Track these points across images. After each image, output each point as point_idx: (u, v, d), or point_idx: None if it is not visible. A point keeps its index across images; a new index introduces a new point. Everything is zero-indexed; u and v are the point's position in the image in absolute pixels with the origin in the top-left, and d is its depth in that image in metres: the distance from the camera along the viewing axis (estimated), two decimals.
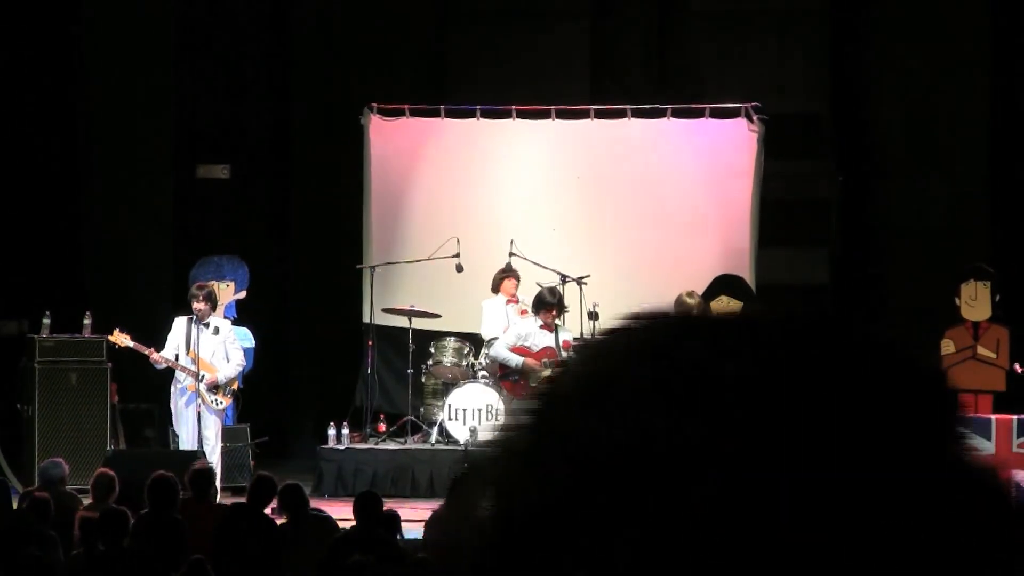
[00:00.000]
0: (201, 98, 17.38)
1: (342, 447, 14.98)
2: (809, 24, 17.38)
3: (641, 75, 17.53)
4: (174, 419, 14.07)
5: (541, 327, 13.93)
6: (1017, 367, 15.46)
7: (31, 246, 16.39)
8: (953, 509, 0.88)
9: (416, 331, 15.31)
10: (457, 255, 15.34)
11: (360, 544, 9.24)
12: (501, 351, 14.33)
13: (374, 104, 16.53)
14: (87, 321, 14.93)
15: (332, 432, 15.03)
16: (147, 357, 13.88)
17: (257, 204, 17.57)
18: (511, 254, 15.16)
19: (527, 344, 14.24)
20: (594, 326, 14.55)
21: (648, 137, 16.40)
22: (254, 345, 15.57)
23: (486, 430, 13.97)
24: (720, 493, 0.85)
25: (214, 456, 13.60)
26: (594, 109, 16.45)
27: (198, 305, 13.84)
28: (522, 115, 16.45)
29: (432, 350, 15.19)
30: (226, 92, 17.41)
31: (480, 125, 16.54)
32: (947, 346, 15.60)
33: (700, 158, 16.37)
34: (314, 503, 11.10)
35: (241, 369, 14.22)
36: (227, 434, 14.41)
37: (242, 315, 16.05)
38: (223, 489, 13.39)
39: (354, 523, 9.86)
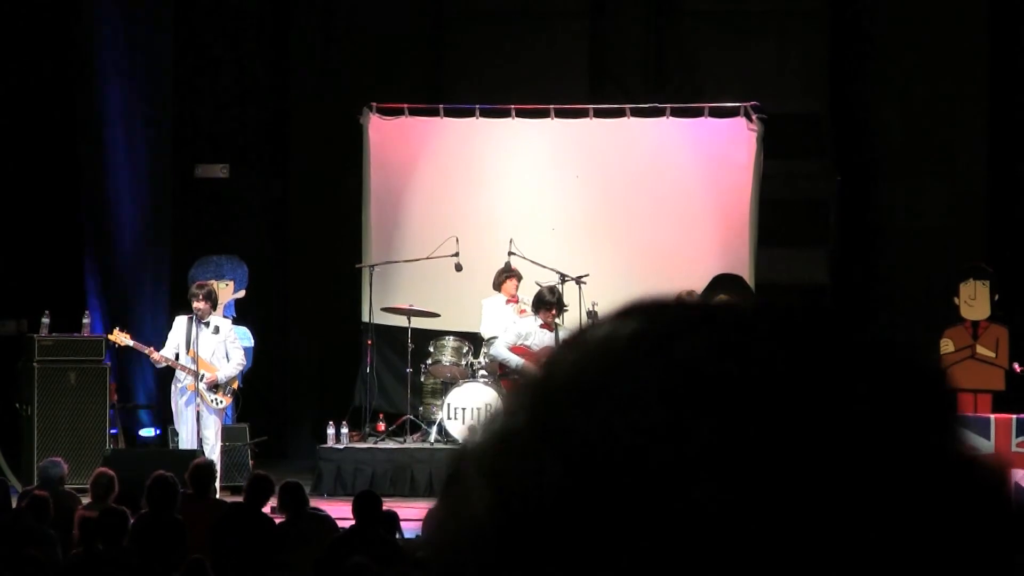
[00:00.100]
0: (200, 97, 17.37)
1: (341, 446, 14.98)
2: (808, 24, 17.38)
3: (640, 74, 17.54)
4: (174, 418, 14.08)
5: (541, 326, 13.93)
6: (1016, 366, 15.46)
7: (31, 246, 16.38)
8: (954, 508, 0.88)
9: (415, 330, 15.31)
10: (456, 254, 15.33)
11: (359, 544, 9.24)
12: (501, 351, 14.33)
13: (373, 103, 16.53)
14: (86, 320, 14.93)
15: (331, 431, 15.03)
16: (147, 356, 13.89)
17: (256, 203, 17.57)
18: (510, 253, 15.15)
19: (527, 343, 14.23)
20: None
21: (647, 136, 16.40)
22: (253, 344, 15.57)
23: (480, 422, 13.96)
24: (721, 495, 0.85)
25: (213, 455, 13.59)
26: (593, 108, 16.45)
27: (198, 304, 13.84)
28: (521, 114, 16.45)
29: (431, 349, 15.18)
30: (225, 91, 17.40)
31: (479, 124, 16.54)
32: (946, 345, 15.60)
33: (699, 157, 16.37)
34: (313, 502, 11.09)
35: (241, 368, 14.22)
36: (226, 433, 14.41)
37: (241, 314, 16.05)
38: (222, 488, 13.39)
39: (353, 522, 9.86)
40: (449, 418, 14.62)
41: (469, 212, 16.30)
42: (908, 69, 17.09)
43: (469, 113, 16.54)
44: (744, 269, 15.81)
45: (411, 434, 15.18)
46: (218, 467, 13.45)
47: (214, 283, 14.93)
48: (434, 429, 14.92)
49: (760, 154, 16.21)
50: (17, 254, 16.30)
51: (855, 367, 0.90)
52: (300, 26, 17.69)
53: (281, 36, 17.66)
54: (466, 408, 14.58)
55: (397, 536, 10.36)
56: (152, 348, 13.86)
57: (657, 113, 16.33)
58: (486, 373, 14.77)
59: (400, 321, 15.51)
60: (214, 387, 13.88)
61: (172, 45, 17.06)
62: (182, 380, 13.90)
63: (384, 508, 10.17)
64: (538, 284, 14.53)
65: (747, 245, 16.18)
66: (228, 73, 17.42)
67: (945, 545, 0.87)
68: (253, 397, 15.42)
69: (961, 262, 16.10)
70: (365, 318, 15.93)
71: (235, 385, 14.22)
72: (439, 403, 14.92)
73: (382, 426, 15.45)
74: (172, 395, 14.01)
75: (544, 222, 16.23)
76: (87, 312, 15.03)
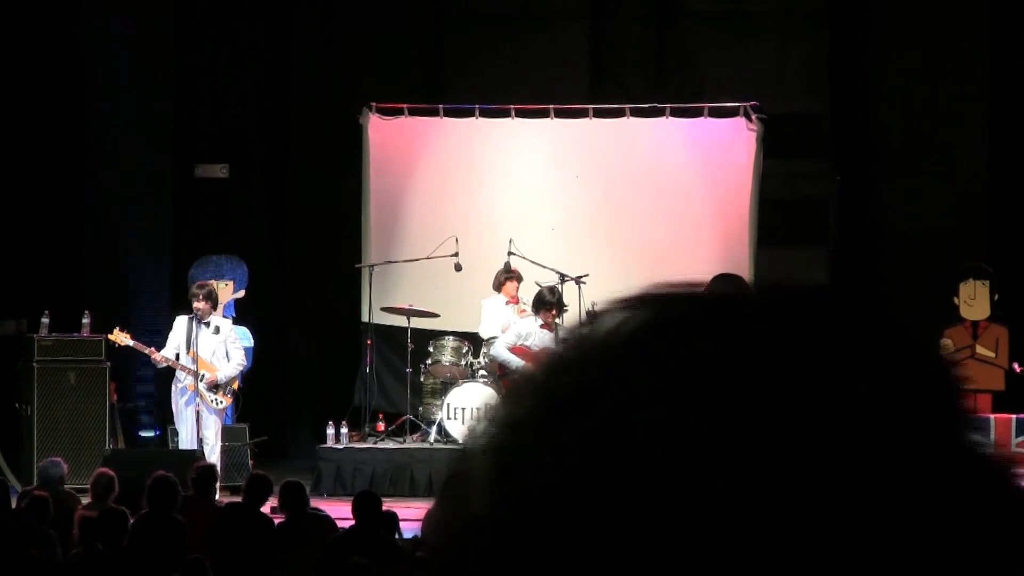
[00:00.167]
0: (199, 97, 17.37)
1: (341, 446, 14.98)
2: (808, 24, 17.39)
3: (640, 74, 17.54)
4: (175, 418, 14.08)
5: (541, 327, 13.92)
6: (1016, 366, 15.46)
7: (30, 246, 16.39)
8: (962, 505, 0.87)
9: (415, 330, 15.31)
10: (456, 254, 15.33)
11: (359, 544, 9.24)
12: (501, 352, 14.32)
13: (373, 103, 16.53)
14: (86, 320, 14.93)
15: (331, 431, 15.03)
16: (147, 356, 13.89)
17: (256, 203, 17.57)
18: (510, 253, 15.15)
19: (527, 344, 14.22)
20: None
21: (647, 136, 16.40)
22: (252, 344, 15.57)
23: (480, 422, 13.95)
24: (720, 495, 0.85)
25: (213, 456, 13.60)
26: (593, 108, 16.45)
27: (198, 304, 13.84)
28: (521, 114, 16.45)
29: (431, 349, 15.18)
30: (225, 91, 17.40)
31: (479, 124, 16.54)
32: (946, 345, 15.60)
33: (699, 157, 16.37)
34: (313, 502, 11.09)
35: (242, 369, 14.21)
36: (226, 433, 14.41)
37: (241, 314, 16.04)
38: (222, 489, 13.38)
39: (353, 522, 9.86)
40: (449, 418, 14.62)
41: (469, 212, 16.30)
42: (908, 69, 17.08)
43: (469, 113, 16.54)
44: (744, 269, 15.80)
45: (411, 434, 15.18)
46: (218, 467, 13.45)
47: (214, 283, 14.93)
48: (434, 429, 14.92)
49: (760, 154, 16.21)
50: (17, 254, 16.30)
51: (860, 363, 0.89)
52: (300, 26, 17.69)
53: (281, 36, 17.66)
54: (466, 408, 14.58)
55: (397, 536, 10.36)
56: (152, 348, 13.86)
57: (657, 113, 16.33)
58: (486, 373, 14.77)
59: (400, 321, 15.51)
60: (214, 387, 13.88)
61: (172, 45, 17.06)
62: (182, 380, 13.90)
63: (384, 508, 10.17)
64: (538, 284, 14.52)
65: (747, 245, 16.18)
66: (228, 73, 17.42)
67: (953, 541, 0.86)
68: (253, 397, 15.42)
69: (961, 262, 16.10)
70: (365, 318, 15.93)
71: (235, 385, 14.22)
72: (439, 403, 14.92)
73: (382, 426, 15.46)
74: (172, 395, 14.01)
75: (544, 222, 16.22)
76: (87, 312, 15.02)
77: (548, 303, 13.91)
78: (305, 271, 17.44)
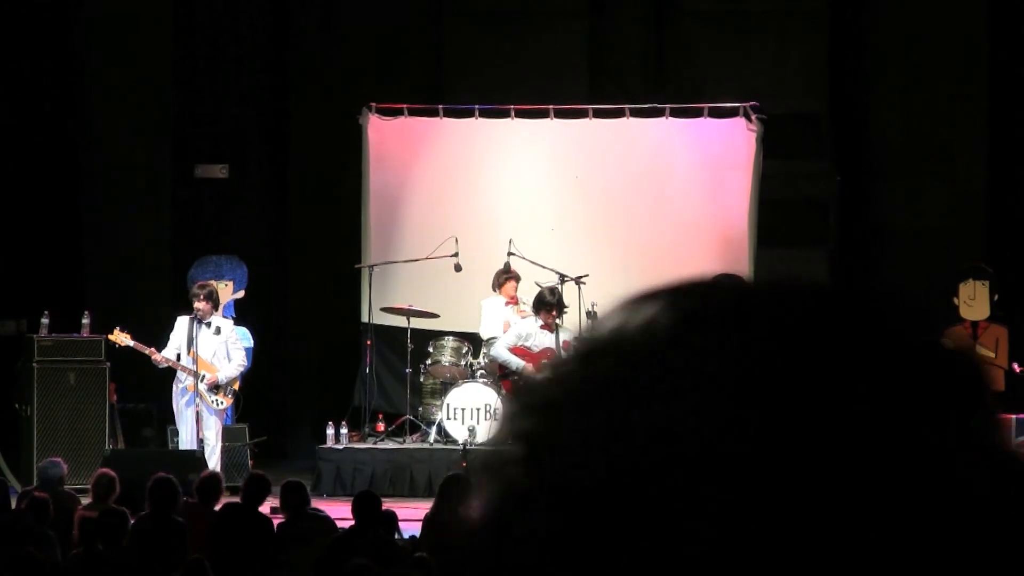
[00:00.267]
0: (199, 98, 17.37)
1: (340, 447, 14.97)
2: (808, 24, 17.39)
3: (639, 74, 17.54)
4: (176, 418, 14.08)
5: (541, 327, 13.92)
6: (1016, 366, 15.46)
7: (30, 246, 16.39)
8: (987, 502, 0.87)
9: (414, 330, 15.31)
10: (455, 254, 15.33)
11: (358, 544, 9.24)
12: (502, 352, 14.31)
13: (372, 104, 16.53)
14: (85, 321, 14.93)
15: (331, 431, 15.03)
16: (147, 356, 13.89)
17: (255, 204, 17.57)
18: (510, 253, 15.15)
19: (527, 344, 14.22)
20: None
21: (646, 136, 16.39)
22: (252, 345, 15.57)
23: (493, 422, 13.97)
24: (727, 495, 0.85)
25: (214, 456, 13.60)
26: (592, 109, 16.45)
27: (199, 304, 13.85)
28: (520, 115, 16.44)
29: (431, 350, 15.18)
30: (224, 92, 17.40)
31: (478, 125, 16.54)
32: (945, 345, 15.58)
33: (698, 157, 16.37)
34: (313, 503, 11.09)
35: (242, 369, 14.20)
36: (226, 434, 14.41)
37: (241, 315, 16.04)
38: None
39: (352, 523, 9.86)
40: (448, 418, 14.62)
41: (468, 212, 16.30)
42: (908, 69, 17.08)
43: (468, 113, 16.53)
44: (744, 269, 15.80)
45: (410, 434, 15.18)
46: (218, 468, 13.45)
47: (214, 283, 14.93)
48: (433, 429, 14.92)
49: (760, 154, 16.21)
50: (17, 254, 16.30)
51: (886, 362, 0.89)
52: (300, 26, 17.69)
53: (281, 36, 17.66)
54: (465, 408, 14.58)
55: (396, 536, 10.36)
56: (153, 349, 13.86)
57: (657, 113, 16.33)
58: (486, 373, 14.76)
59: (399, 321, 15.51)
60: (215, 388, 13.88)
61: (172, 45, 17.06)
62: (183, 381, 13.90)
63: (383, 508, 10.17)
64: (538, 285, 14.52)
65: (747, 245, 16.18)
66: (228, 73, 17.42)
67: (983, 537, 0.86)
68: (253, 397, 15.42)
69: (961, 262, 16.10)
70: (365, 318, 15.93)
71: (236, 386, 14.21)
72: (438, 403, 14.92)
73: (381, 426, 15.46)
74: (173, 395, 14.01)
75: (543, 222, 16.22)
76: (86, 312, 15.02)
77: (548, 304, 13.91)
78: (305, 271, 17.44)
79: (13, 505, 11.16)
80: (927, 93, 17.05)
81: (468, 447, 14.27)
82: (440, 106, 16.63)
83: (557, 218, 16.35)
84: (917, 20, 16.91)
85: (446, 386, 14.94)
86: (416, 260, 15.75)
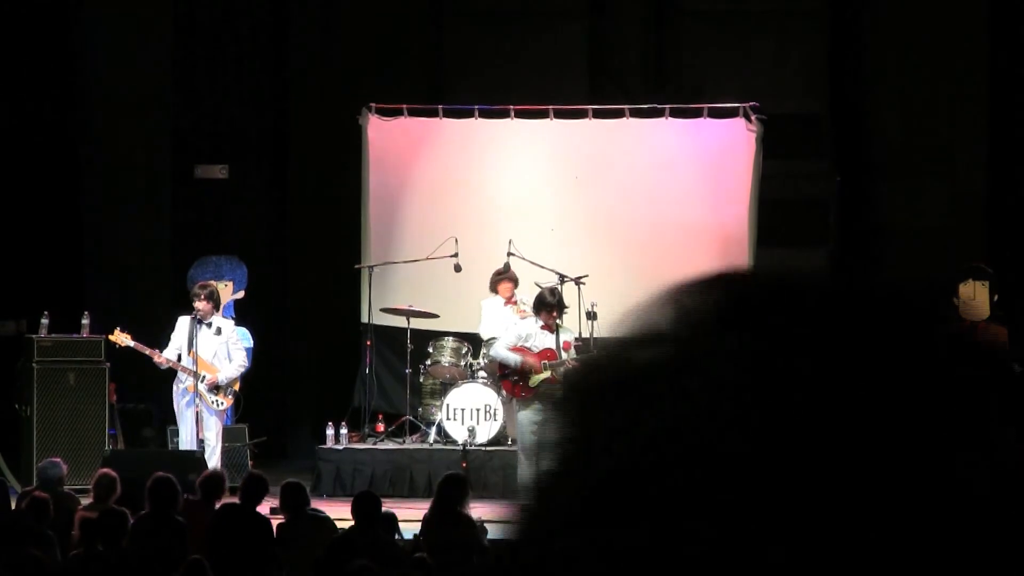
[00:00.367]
0: (199, 98, 17.37)
1: (340, 447, 14.97)
2: (808, 24, 17.38)
3: (639, 75, 17.53)
4: (177, 418, 14.08)
5: (542, 327, 13.90)
6: (1016, 367, 15.44)
7: (30, 246, 16.38)
8: (993, 503, 0.87)
9: (414, 331, 15.30)
10: (455, 255, 15.33)
11: (358, 544, 9.24)
12: (500, 351, 14.28)
13: (372, 104, 16.52)
14: (85, 321, 14.93)
15: (330, 432, 15.02)
16: (147, 356, 13.88)
17: (255, 204, 17.56)
18: (509, 254, 15.14)
19: (527, 345, 14.21)
20: (592, 326, 14.54)
21: (646, 137, 16.39)
22: (252, 345, 15.56)
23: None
24: (770, 489, 0.85)
25: (214, 457, 13.59)
26: (592, 109, 16.45)
27: (199, 304, 13.85)
28: (520, 115, 16.44)
29: (430, 350, 15.18)
30: (224, 92, 17.40)
31: (478, 125, 16.53)
32: None
33: (698, 158, 16.36)
34: (312, 503, 11.09)
35: (243, 370, 14.19)
36: (225, 434, 14.40)
37: (241, 315, 16.03)
38: None
39: (352, 523, 9.86)
40: (448, 419, 14.61)
41: (468, 213, 16.29)
42: (908, 69, 17.08)
43: (468, 114, 16.53)
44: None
45: (410, 435, 15.18)
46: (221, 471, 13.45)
47: (214, 283, 14.93)
48: (433, 430, 14.92)
49: (760, 154, 16.20)
50: (17, 254, 16.30)
51: (886, 361, 0.89)
52: (300, 26, 17.69)
53: (281, 36, 17.65)
54: (465, 409, 14.57)
55: (396, 537, 10.36)
56: (155, 350, 13.86)
57: (656, 114, 16.33)
58: (485, 374, 14.76)
59: (399, 322, 15.51)
60: (215, 388, 13.88)
61: (172, 45, 17.06)
62: (183, 381, 13.90)
63: (383, 509, 10.17)
64: (538, 285, 14.49)
65: (747, 245, 16.18)
66: (228, 73, 17.42)
67: (979, 541, 0.86)
68: (253, 397, 15.41)
69: (961, 262, 16.09)
70: (364, 319, 15.93)
71: (236, 386, 14.21)
72: (438, 404, 14.91)
73: (381, 427, 15.46)
74: (174, 396, 14.01)
75: (543, 223, 16.22)
76: (86, 313, 15.02)
77: (549, 305, 13.88)
78: (305, 271, 17.43)
79: (13, 505, 11.17)
80: (927, 93, 17.05)
81: (468, 447, 14.27)
82: (440, 106, 16.63)
83: (557, 218, 16.34)
84: (917, 20, 16.91)
85: (446, 386, 14.94)
86: (416, 260, 15.74)
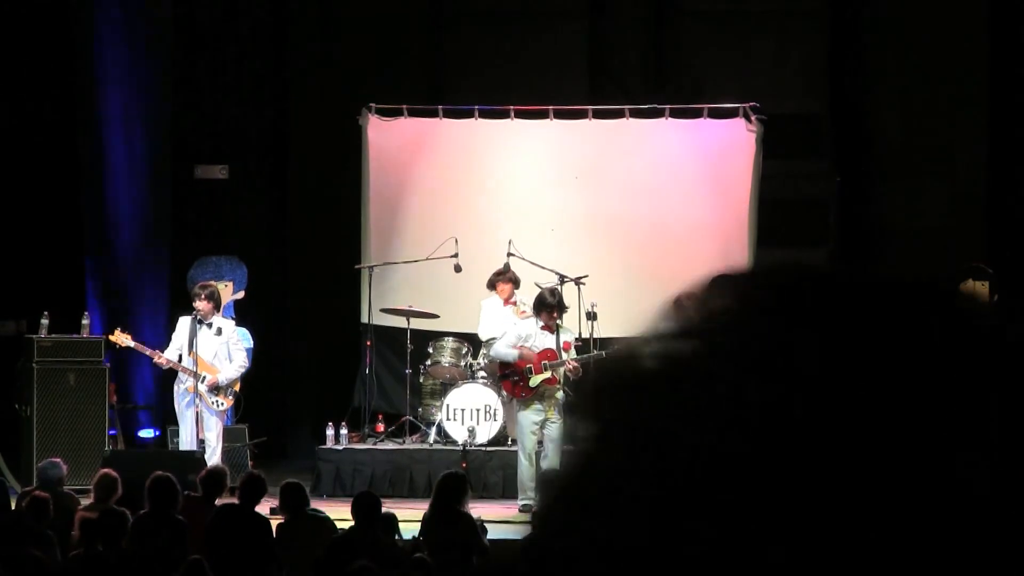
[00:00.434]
0: (199, 98, 17.37)
1: (340, 447, 14.97)
2: (808, 24, 17.38)
3: (639, 75, 17.53)
4: (178, 418, 14.09)
5: (542, 328, 13.91)
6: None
7: (31, 246, 16.38)
8: (995, 505, 0.87)
9: (414, 331, 15.30)
10: (455, 255, 15.32)
11: (358, 545, 9.24)
12: (500, 348, 14.27)
13: (372, 104, 16.52)
14: (85, 321, 14.93)
15: (330, 432, 15.03)
16: (147, 356, 13.88)
17: (255, 204, 17.56)
18: (509, 254, 15.14)
19: (527, 345, 14.20)
20: (592, 326, 14.55)
21: (646, 137, 16.39)
22: (252, 345, 15.56)
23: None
24: (770, 490, 0.85)
25: (214, 458, 13.58)
26: (592, 109, 16.45)
27: (199, 304, 13.85)
28: (520, 115, 16.44)
29: (430, 350, 15.18)
30: (224, 92, 17.40)
31: (478, 125, 16.53)
32: None
33: (698, 158, 16.36)
34: (312, 503, 11.09)
35: (243, 370, 14.19)
36: (225, 434, 14.41)
37: (241, 315, 16.03)
38: None
39: (352, 523, 9.86)
40: (448, 419, 14.61)
41: (468, 213, 16.29)
42: (908, 69, 17.08)
43: (468, 114, 16.53)
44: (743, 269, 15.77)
45: (410, 435, 15.18)
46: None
47: (215, 284, 14.93)
48: (433, 430, 14.92)
49: (760, 154, 16.20)
50: (17, 254, 16.30)
51: (886, 360, 0.89)
52: (300, 26, 17.69)
53: (281, 36, 17.65)
54: (465, 409, 14.57)
55: (396, 537, 10.36)
56: (157, 351, 13.86)
57: (656, 114, 16.33)
58: (485, 374, 14.76)
59: (399, 322, 15.51)
60: (215, 389, 13.88)
61: (172, 45, 17.06)
62: (184, 382, 13.90)
63: (383, 509, 10.17)
64: (538, 285, 14.49)
65: (747, 245, 16.18)
66: (228, 73, 17.42)
67: (981, 542, 0.86)
68: (253, 398, 15.42)
69: (961, 262, 16.09)
70: (364, 319, 15.93)
71: (236, 387, 14.21)
72: (438, 404, 14.91)
73: (381, 427, 15.46)
74: (175, 396, 14.02)
75: (543, 223, 16.22)
76: (86, 313, 15.02)
77: (549, 305, 13.89)
78: (305, 271, 17.43)
79: (13, 505, 11.17)
80: (927, 93, 17.05)
81: (468, 447, 14.27)
82: (440, 106, 16.63)
83: (557, 218, 16.34)
84: (917, 20, 16.91)
85: (446, 387, 14.95)
86: (416, 261, 15.74)
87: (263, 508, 10.73)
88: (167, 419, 15.09)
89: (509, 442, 14.58)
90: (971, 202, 16.95)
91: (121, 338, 13.97)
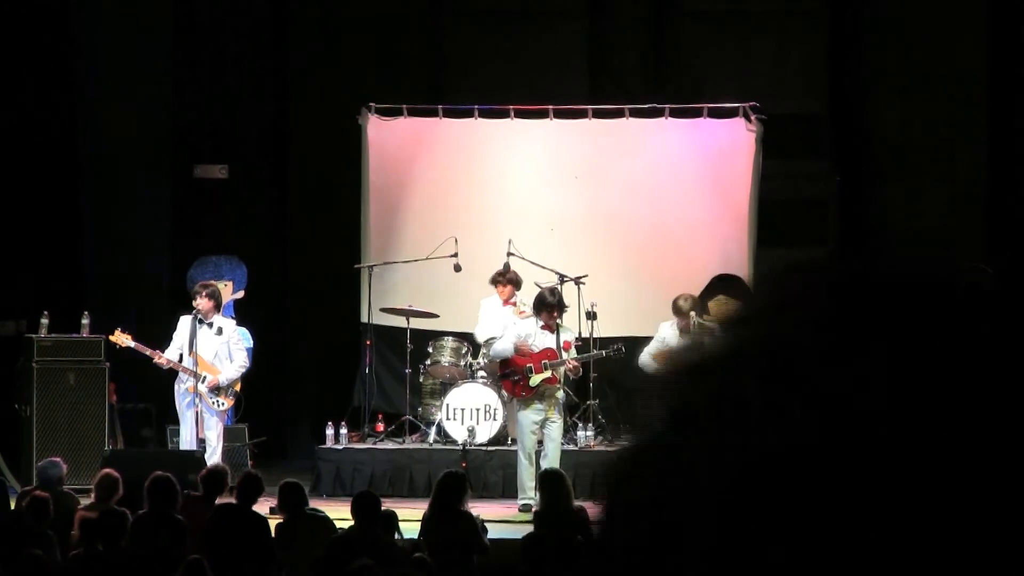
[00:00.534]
0: (199, 98, 17.37)
1: (340, 447, 14.97)
2: (808, 24, 17.38)
3: (639, 74, 17.53)
4: (179, 418, 14.09)
5: (542, 327, 13.91)
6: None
7: (30, 246, 16.38)
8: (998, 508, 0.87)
9: (414, 331, 15.30)
10: (455, 255, 15.32)
11: (358, 544, 9.24)
12: (498, 347, 14.27)
13: (372, 104, 16.52)
14: (85, 321, 14.92)
15: (330, 432, 15.02)
16: (147, 356, 13.88)
17: (255, 204, 17.56)
18: (509, 254, 15.14)
19: (527, 345, 14.20)
20: (592, 326, 14.55)
21: (646, 137, 16.38)
22: (252, 345, 15.56)
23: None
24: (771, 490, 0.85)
25: (214, 458, 13.58)
26: (592, 109, 16.44)
27: (199, 302, 13.85)
28: (520, 115, 16.43)
29: (430, 350, 15.18)
30: (224, 92, 17.40)
31: (478, 125, 16.53)
32: None
33: (698, 158, 16.35)
34: (312, 503, 11.09)
35: (244, 370, 14.19)
36: (225, 434, 14.41)
37: (240, 315, 16.03)
38: None
39: (352, 523, 9.86)
40: (448, 419, 14.61)
41: (468, 213, 16.28)
42: (908, 69, 17.08)
43: (468, 113, 16.53)
44: (744, 269, 15.80)
45: (410, 435, 15.18)
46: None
47: (215, 283, 14.93)
48: (433, 430, 14.92)
49: (759, 154, 16.19)
50: (17, 254, 16.30)
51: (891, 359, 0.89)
52: (300, 26, 17.69)
53: (281, 36, 17.65)
54: (465, 409, 14.57)
55: (396, 536, 10.36)
56: (158, 351, 13.85)
57: (656, 113, 16.32)
58: (485, 374, 14.76)
59: (399, 322, 15.51)
60: (216, 389, 13.87)
61: (172, 45, 17.06)
62: (185, 381, 13.90)
63: (383, 508, 10.16)
64: (538, 285, 14.49)
65: (746, 245, 16.16)
66: (228, 73, 17.42)
67: (985, 547, 0.86)
68: (253, 397, 15.42)
69: (961, 262, 16.07)
70: (364, 319, 15.92)
71: (237, 387, 14.21)
72: (438, 404, 14.91)
73: (381, 426, 15.45)
74: (176, 396, 14.02)
75: (543, 222, 16.21)
76: (86, 313, 15.02)
77: (549, 305, 13.89)
78: (305, 271, 17.43)
79: (13, 505, 11.16)
80: (927, 93, 17.05)
81: (468, 447, 14.27)
82: (440, 106, 16.62)
83: (557, 218, 16.33)
84: (917, 20, 16.91)
85: (445, 386, 14.95)
86: (416, 260, 15.74)
87: (262, 508, 10.73)
88: (167, 419, 15.09)
89: (509, 442, 14.57)
90: (971, 202, 16.94)
91: (121, 338, 13.97)
